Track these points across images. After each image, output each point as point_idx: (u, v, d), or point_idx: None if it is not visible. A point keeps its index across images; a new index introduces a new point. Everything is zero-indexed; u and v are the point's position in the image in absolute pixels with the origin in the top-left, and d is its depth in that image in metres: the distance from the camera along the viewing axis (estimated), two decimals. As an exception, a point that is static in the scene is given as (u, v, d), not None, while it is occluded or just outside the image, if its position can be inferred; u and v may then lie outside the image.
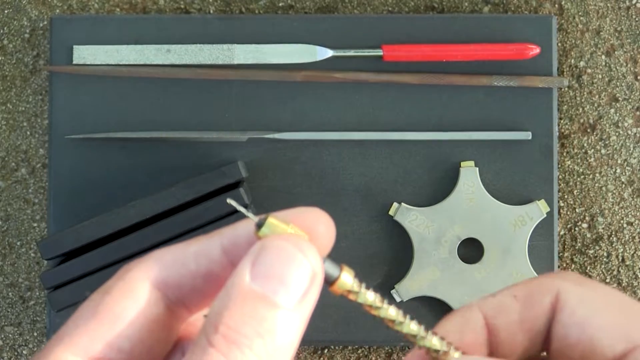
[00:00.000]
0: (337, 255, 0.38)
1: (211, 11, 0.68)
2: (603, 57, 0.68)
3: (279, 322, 0.33)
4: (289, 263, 0.35)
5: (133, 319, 0.35)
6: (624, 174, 0.67)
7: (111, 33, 0.66)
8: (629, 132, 0.67)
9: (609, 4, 0.68)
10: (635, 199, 0.67)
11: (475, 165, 0.65)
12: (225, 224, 0.60)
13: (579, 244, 0.67)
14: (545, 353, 0.37)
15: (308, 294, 0.35)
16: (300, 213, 0.36)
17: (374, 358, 0.67)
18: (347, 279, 0.36)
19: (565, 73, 0.68)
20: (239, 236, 0.36)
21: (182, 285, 0.36)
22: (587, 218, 0.67)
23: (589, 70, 0.68)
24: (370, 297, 0.36)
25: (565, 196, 0.67)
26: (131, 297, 0.35)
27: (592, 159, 0.67)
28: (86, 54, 0.66)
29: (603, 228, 0.67)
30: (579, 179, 0.67)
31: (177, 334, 0.37)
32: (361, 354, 0.67)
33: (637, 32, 0.68)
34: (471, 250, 0.65)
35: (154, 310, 0.35)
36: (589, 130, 0.68)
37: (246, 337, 0.33)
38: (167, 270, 0.36)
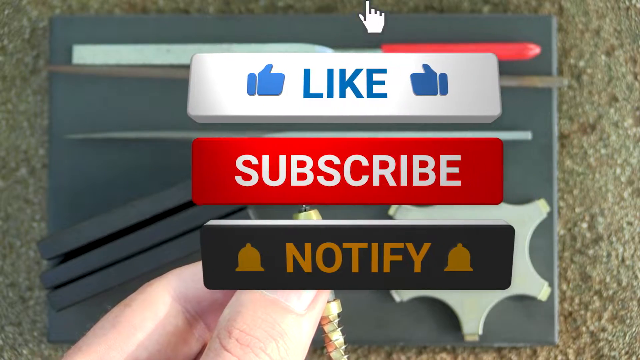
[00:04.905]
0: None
1: (210, 11, 0.68)
2: (603, 57, 0.68)
3: (291, 326, 0.34)
4: None
5: (151, 330, 0.35)
6: (623, 174, 0.67)
7: (111, 33, 0.66)
8: (629, 132, 0.67)
9: (608, 4, 0.68)
10: (635, 199, 0.67)
11: (475, 165, 0.65)
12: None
13: (579, 244, 0.67)
14: None
15: (317, 300, 0.35)
16: None
17: (373, 358, 0.67)
18: (334, 308, 0.37)
19: (565, 73, 0.68)
20: None
21: (201, 299, 0.37)
22: (587, 218, 0.67)
23: (588, 70, 0.68)
24: (337, 337, 0.37)
25: (565, 196, 0.67)
26: (151, 309, 0.36)
27: (592, 159, 0.67)
28: (86, 54, 0.66)
29: (603, 228, 0.67)
30: (578, 178, 0.67)
31: (196, 351, 0.38)
32: (361, 354, 0.67)
33: (637, 32, 0.68)
34: (471, 250, 0.65)
35: (173, 322, 0.36)
36: (588, 130, 0.68)
37: (260, 340, 0.33)
38: (187, 284, 0.37)
